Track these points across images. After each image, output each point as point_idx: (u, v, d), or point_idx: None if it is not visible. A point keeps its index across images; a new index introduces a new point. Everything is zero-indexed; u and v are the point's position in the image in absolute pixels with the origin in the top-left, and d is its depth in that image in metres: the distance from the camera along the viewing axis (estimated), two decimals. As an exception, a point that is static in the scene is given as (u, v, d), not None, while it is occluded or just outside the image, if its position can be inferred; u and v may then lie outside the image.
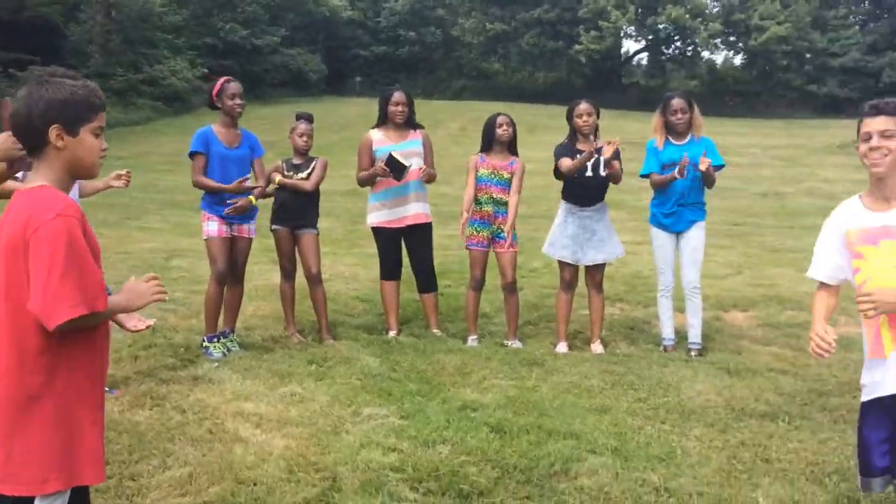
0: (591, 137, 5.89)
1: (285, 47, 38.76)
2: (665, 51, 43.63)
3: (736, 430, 4.28)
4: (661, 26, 40.52)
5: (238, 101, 5.54)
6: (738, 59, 43.25)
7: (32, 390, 2.26)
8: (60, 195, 2.38)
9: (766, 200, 16.43)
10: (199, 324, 5.95)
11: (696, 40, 39.66)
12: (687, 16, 38.51)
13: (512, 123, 6.09)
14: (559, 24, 41.42)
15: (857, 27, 41.93)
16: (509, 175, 5.99)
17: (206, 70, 31.69)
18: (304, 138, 6.01)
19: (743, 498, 3.53)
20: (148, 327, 2.67)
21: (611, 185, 5.97)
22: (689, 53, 42.56)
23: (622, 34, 41.56)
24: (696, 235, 5.89)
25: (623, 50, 44.58)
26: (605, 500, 3.50)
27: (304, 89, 38.38)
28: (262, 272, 8.03)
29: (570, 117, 5.96)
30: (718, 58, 47.21)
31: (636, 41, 44.08)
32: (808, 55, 40.42)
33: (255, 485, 3.50)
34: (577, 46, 39.50)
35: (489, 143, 6.06)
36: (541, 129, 25.19)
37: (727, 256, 9.92)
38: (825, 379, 5.17)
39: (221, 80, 5.59)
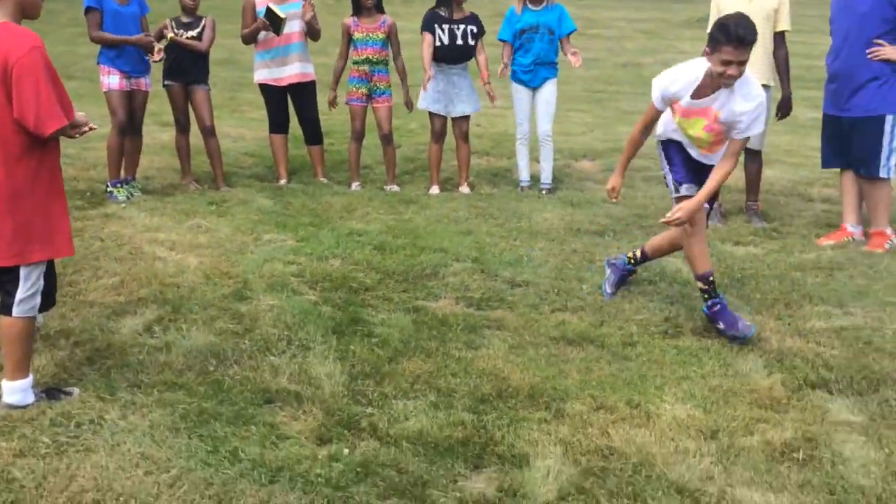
0: (462, 4, 6.53)
1: None
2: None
3: (571, 243, 5.31)
4: None
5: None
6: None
7: (21, 185, 2.88)
8: (27, 30, 2.92)
9: (626, 70, 17.57)
10: (98, 174, 6.40)
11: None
12: None
13: None
14: None
15: None
16: (383, 34, 6.59)
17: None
18: (192, -3, 6.34)
19: (570, 286, 4.55)
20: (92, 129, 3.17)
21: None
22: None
23: None
24: (549, 90, 6.74)
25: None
26: (465, 290, 4.44)
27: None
28: (149, 132, 8.34)
29: None
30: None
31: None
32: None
33: (178, 287, 4.22)
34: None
35: (357, 6, 6.59)
36: (418, 1, 25.25)
37: (584, 118, 10.93)
38: (646, 206, 6.28)
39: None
